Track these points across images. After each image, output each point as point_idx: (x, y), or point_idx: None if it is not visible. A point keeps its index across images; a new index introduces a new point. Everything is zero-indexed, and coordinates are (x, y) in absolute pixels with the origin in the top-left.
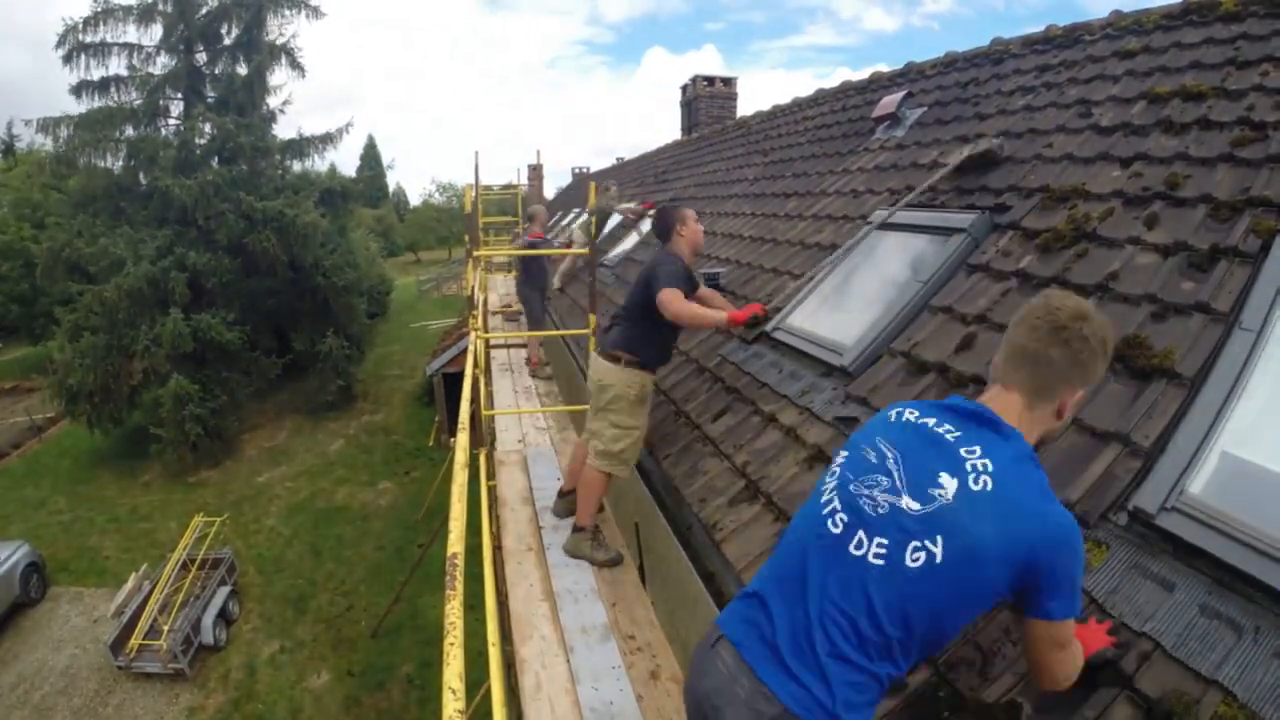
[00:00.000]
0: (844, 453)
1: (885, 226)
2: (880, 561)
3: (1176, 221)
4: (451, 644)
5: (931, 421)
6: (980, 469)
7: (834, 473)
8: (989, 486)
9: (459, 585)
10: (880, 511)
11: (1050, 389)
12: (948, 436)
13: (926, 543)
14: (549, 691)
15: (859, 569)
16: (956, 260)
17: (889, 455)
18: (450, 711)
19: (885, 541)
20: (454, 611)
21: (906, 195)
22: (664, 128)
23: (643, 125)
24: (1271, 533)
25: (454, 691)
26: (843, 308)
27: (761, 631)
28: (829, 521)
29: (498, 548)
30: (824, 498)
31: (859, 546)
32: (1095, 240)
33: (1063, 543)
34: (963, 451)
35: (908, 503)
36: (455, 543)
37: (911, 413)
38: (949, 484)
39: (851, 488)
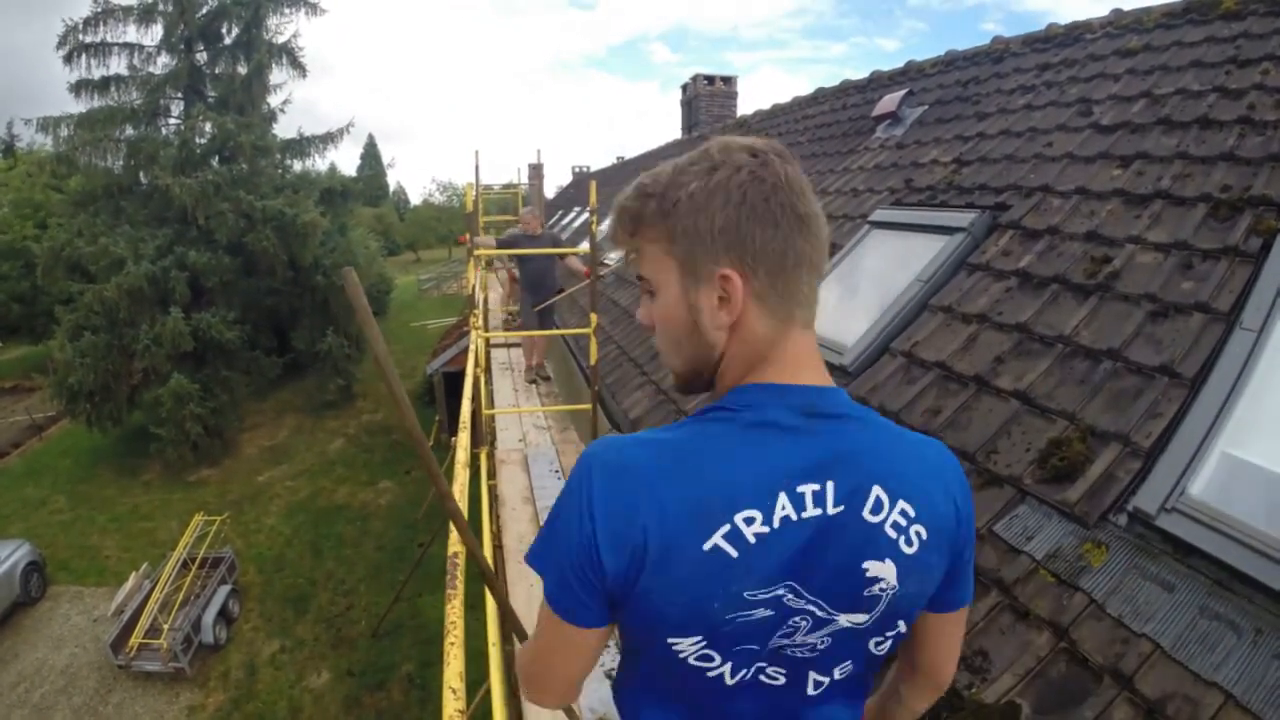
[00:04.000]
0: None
1: (886, 225)
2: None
3: (1177, 220)
4: (452, 644)
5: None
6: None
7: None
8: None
9: (460, 585)
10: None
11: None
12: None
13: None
14: None
15: None
16: (957, 259)
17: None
18: (450, 711)
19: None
20: (455, 611)
21: (906, 194)
22: (665, 128)
23: (645, 125)
24: (1272, 534)
25: (454, 691)
26: (843, 307)
27: None
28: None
29: (498, 547)
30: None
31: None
32: (1095, 239)
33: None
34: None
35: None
36: (456, 542)
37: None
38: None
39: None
